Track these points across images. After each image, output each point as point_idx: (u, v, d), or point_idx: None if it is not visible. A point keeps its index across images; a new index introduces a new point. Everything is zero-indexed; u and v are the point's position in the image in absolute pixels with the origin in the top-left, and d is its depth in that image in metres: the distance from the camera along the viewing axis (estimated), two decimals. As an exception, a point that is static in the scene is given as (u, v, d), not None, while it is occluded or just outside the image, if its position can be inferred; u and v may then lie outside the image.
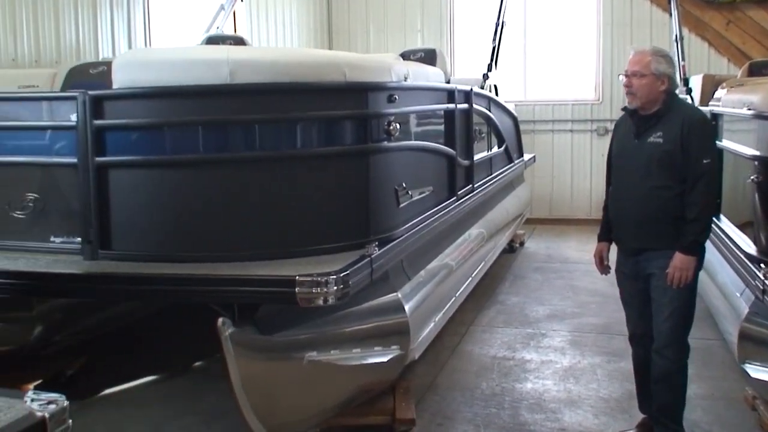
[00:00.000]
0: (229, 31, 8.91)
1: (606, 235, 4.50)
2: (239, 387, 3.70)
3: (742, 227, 5.29)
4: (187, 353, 5.85)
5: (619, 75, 4.28)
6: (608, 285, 7.41)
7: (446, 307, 5.74)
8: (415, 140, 5.13)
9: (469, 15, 12.50)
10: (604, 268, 4.54)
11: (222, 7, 8.22)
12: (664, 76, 4.13)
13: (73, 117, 4.11)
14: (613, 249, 4.49)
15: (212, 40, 7.06)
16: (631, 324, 4.48)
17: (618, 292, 4.54)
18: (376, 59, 4.74)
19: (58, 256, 4.23)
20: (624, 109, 4.34)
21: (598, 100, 11.98)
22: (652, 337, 4.27)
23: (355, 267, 3.90)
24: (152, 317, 6.04)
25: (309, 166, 4.19)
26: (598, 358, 5.91)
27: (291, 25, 11.22)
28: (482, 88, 8.08)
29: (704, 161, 4.04)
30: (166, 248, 4.07)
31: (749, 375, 4.47)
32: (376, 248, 4.19)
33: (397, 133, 4.49)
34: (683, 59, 8.31)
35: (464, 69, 11.98)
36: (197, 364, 5.82)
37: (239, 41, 7.21)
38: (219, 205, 4.09)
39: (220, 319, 3.66)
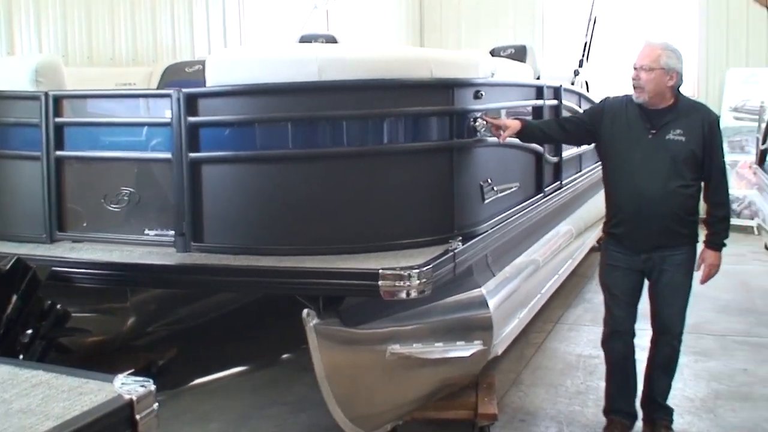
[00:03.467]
0: (322, 29, 9.03)
1: (528, 123, 4.65)
2: (323, 378, 3.80)
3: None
4: (275, 345, 5.97)
5: (645, 66, 4.21)
6: (698, 284, 7.31)
7: (531, 304, 5.72)
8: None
9: (561, 11, 12.39)
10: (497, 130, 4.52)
11: (315, 6, 8.35)
12: (673, 71, 4.19)
13: (168, 114, 4.24)
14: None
15: (305, 39, 7.20)
16: (615, 320, 4.54)
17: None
18: (463, 56, 4.76)
19: (152, 248, 4.36)
20: (623, 98, 4.43)
21: (694, 96, 11.70)
22: (634, 333, 4.55)
23: (438, 261, 3.93)
24: (241, 309, 6.19)
25: (395, 161, 4.24)
26: (685, 358, 5.76)
27: (383, 22, 11.30)
28: (573, 84, 7.99)
29: (723, 160, 4.35)
30: (255, 241, 4.17)
31: None
32: (460, 243, 4.22)
33: (483, 130, 4.51)
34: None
35: (556, 65, 11.85)
36: (285, 356, 5.94)
37: (331, 40, 7.33)
38: (306, 199, 4.17)
39: (305, 311, 3.76)
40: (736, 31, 11.59)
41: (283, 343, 5.92)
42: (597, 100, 8.51)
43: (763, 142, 8.81)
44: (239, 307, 6.18)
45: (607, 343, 4.63)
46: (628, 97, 4.37)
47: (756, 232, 10.45)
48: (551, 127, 4.76)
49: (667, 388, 4.58)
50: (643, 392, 4.64)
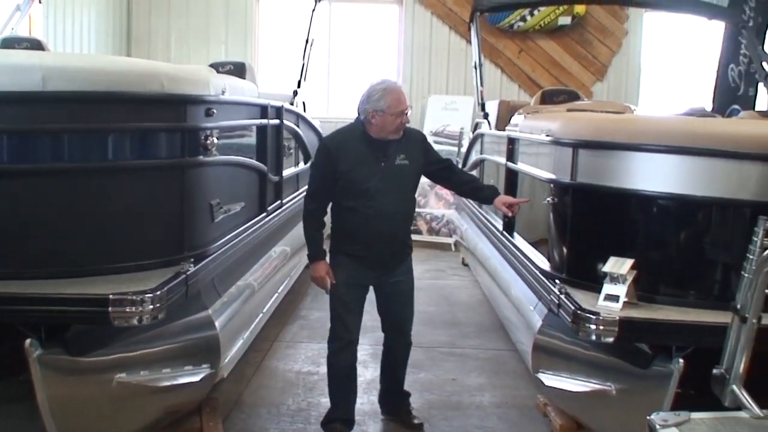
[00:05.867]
0: (24, 33, 8.43)
1: (324, 254, 4.76)
2: (47, 411, 3.55)
3: (536, 245, 5.58)
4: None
5: (408, 110, 4.64)
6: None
7: (254, 324, 5.71)
8: (230, 155, 5.09)
9: (272, 28, 12.51)
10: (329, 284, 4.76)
11: (18, 8, 7.78)
12: None
13: None
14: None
15: (7, 43, 6.68)
16: (349, 332, 4.80)
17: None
18: (194, 71, 4.65)
19: None
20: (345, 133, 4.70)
21: (397, 119, 12.26)
22: (358, 341, 4.90)
23: (171, 285, 3.83)
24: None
25: (124, 179, 4.07)
26: (399, 370, 6.05)
27: (90, 30, 10.76)
28: (292, 104, 8.10)
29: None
30: (-34, 265, 3.80)
31: (543, 384, 4.72)
32: (192, 265, 4.13)
33: (214, 148, 4.45)
34: (482, 85, 8.69)
35: (269, 83, 11.97)
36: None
37: (37, 45, 6.87)
38: (24, 219, 3.86)
39: (28, 341, 3.49)
40: (438, 60, 12.36)
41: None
42: (313, 121, 8.78)
43: (463, 166, 9.44)
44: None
45: (336, 356, 4.85)
46: (350, 133, 4.67)
47: (453, 248, 11.15)
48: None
49: (404, 375, 5.18)
50: (385, 390, 5.18)
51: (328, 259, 4.77)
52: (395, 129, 4.58)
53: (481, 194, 5.11)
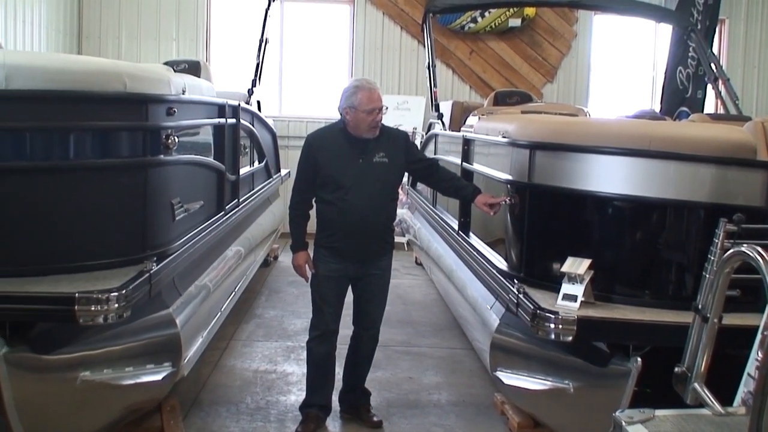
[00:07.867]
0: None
1: (305, 245, 4.98)
2: (12, 408, 3.54)
3: (492, 245, 5.64)
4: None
5: (382, 108, 4.78)
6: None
7: (213, 323, 5.71)
8: (189, 154, 5.09)
9: (225, 26, 12.44)
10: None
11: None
12: None
13: None
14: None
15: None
16: (326, 323, 4.95)
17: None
18: (156, 70, 4.65)
19: None
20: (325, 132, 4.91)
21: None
22: (338, 332, 5.01)
23: (135, 283, 3.83)
24: None
25: (87, 178, 4.06)
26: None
27: (40, 26, 10.57)
28: (248, 103, 8.10)
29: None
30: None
31: (502, 382, 4.80)
32: (155, 263, 4.12)
33: (174, 147, 4.45)
34: (435, 86, 8.75)
35: (221, 81, 11.90)
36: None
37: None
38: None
39: (-7, 338, 3.47)
40: (390, 59, 12.40)
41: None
42: (269, 121, 8.77)
43: (416, 166, 9.49)
44: None
45: (315, 344, 5.00)
46: (331, 130, 4.89)
47: (406, 248, 11.21)
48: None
49: (367, 373, 5.26)
50: (347, 387, 5.21)
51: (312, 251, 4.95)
52: (368, 127, 4.70)
53: (463, 193, 5.24)
